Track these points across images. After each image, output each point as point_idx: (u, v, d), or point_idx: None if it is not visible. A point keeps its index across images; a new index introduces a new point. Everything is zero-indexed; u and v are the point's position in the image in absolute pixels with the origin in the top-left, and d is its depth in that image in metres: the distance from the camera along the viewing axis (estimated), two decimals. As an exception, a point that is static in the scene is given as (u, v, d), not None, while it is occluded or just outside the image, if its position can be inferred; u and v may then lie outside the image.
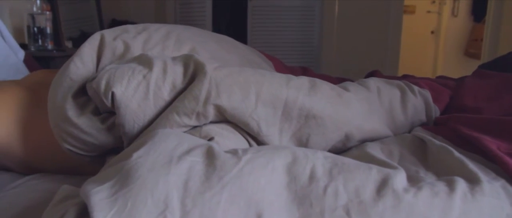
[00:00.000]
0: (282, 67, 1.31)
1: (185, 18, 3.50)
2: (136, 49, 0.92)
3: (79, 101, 0.85)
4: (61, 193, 0.73)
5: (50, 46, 2.21)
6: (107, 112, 0.85)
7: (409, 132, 0.97)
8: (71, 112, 0.83)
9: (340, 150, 0.88)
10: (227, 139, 0.77)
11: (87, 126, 0.83)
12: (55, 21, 2.36)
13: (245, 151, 0.61)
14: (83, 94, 0.88)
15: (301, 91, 0.81)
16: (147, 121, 0.80)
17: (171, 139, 0.64)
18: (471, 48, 4.10)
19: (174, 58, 0.85)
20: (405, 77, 1.34)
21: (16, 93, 0.99)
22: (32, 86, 1.04)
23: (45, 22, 2.18)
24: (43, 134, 0.97)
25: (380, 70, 3.33)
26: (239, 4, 3.43)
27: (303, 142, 0.82)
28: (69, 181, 0.96)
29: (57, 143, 0.94)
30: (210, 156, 0.60)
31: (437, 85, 1.11)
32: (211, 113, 0.78)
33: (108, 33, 0.93)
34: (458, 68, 4.21)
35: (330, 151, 0.86)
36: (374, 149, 0.81)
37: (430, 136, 0.87)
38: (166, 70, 0.80)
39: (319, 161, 0.62)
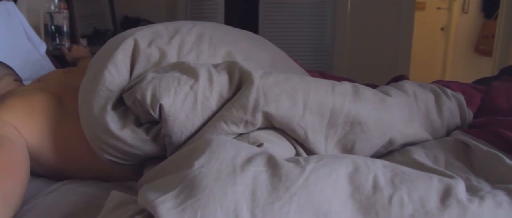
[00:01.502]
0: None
1: (196, 15, 3.49)
2: (172, 56, 0.91)
3: (119, 112, 0.84)
4: (113, 200, 0.74)
5: (67, 45, 2.21)
6: (148, 122, 0.85)
7: (447, 135, 0.97)
8: (113, 124, 0.82)
9: (382, 154, 0.88)
10: (275, 145, 0.78)
11: (131, 138, 0.82)
12: (71, 19, 2.35)
13: (306, 161, 0.61)
14: (120, 103, 0.87)
15: (347, 98, 0.81)
16: (194, 130, 0.80)
17: (229, 147, 0.64)
18: (481, 45, 4.08)
19: (216, 66, 0.85)
20: (433, 82, 1.34)
21: (44, 101, 0.99)
22: (57, 91, 1.04)
23: (63, 20, 2.18)
24: (74, 142, 0.97)
25: (392, 67, 3.34)
26: (250, 2, 3.42)
27: (348, 148, 0.82)
28: (103, 185, 0.97)
29: (87, 150, 0.94)
30: (273, 165, 0.60)
31: (469, 88, 1.11)
32: (259, 120, 0.78)
33: (141, 39, 0.91)
34: (468, 65, 4.21)
35: (372, 156, 0.86)
36: (419, 155, 0.81)
37: (472, 140, 0.88)
38: (212, 79, 0.80)
39: (379, 170, 0.62)
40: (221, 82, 0.80)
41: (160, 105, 0.77)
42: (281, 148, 0.78)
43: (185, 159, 0.67)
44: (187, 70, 0.82)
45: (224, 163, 0.60)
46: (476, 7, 4.14)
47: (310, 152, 0.81)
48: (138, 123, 0.85)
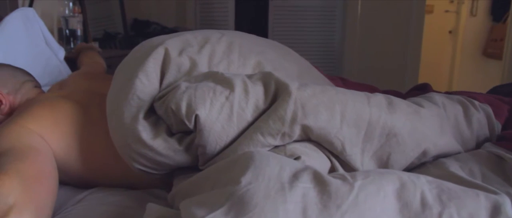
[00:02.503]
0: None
1: (205, 18, 3.49)
2: (203, 66, 0.91)
3: (150, 121, 0.84)
4: (152, 214, 0.74)
5: (80, 49, 2.21)
6: (180, 131, 0.84)
7: (476, 147, 0.97)
8: (145, 134, 0.81)
9: (415, 165, 0.88)
10: (312, 158, 0.78)
11: (163, 148, 0.82)
12: (83, 23, 2.35)
13: (353, 177, 0.61)
14: (151, 113, 0.86)
15: (382, 109, 0.81)
16: (229, 141, 0.79)
17: (273, 162, 0.64)
18: (489, 48, 4.08)
19: (250, 77, 0.85)
20: (458, 93, 1.34)
21: (68, 110, 0.99)
22: (81, 99, 1.03)
23: (77, 24, 2.18)
24: (100, 151, 0.97)
25: (402, 71, 3.33)
26: (260, 4, 3.42)
27: (383, 161, 0.82)
28: (131, 194, 0.96)
29: (114, 159, 0.94)
30: (320, 182, 0.60)
31: (495, 99, 1.11)
32: (297, 132, 0.78)
33: (172, 47, 0.91)
34: (476, 68, 4.20)
35: (406, 168, 0.86)
36: (456, 168, 0.81)
37: (505, 152, 0.87)
38: (247, 90, 0.80)
39: (425, 186, 0.62)
40: (257, 94, 0.80)
41: (196, 116, 0.77)
42: (318, 161, 0.78)
43: (226, 173, 0.67)
44: (222, 80, 0.82)
45: (272, 179, 0.60)
46: (485, 10, 4.13)
47: (345, 164, 0.81)
48: (170, 133, 0.84)
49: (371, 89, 1.36)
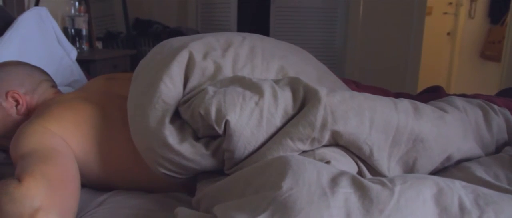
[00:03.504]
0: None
1: (207, 18, 3.49)
2: (227, 70, 0.91)
3: (176, 125, 0.84)
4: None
5: (85, 48, 2.21)
6: (207, 136, 0.84)
7: (496, 151, 0.98)
8: (171, 138, 0.81)
9: (438, 169, 0.89)
10: (340, 162, 0.78)
11: (190, 153, 0.82)
12: (88, 22, 2.34)
13: (392, 182, 0.62)
14: (176, 117, 0.86)
15: (409, 115, 0.82)
16: (257, 146, 0.80)
17: (309, 167, 0.65)
18: (487, 50, 4.12)
19: (277, 82, 0.86)
20: (476, 97, 1.35)
21: (88, 112, 0.98)
22: (100, 101, 1.02)
23: (82, 24, 2.17)
24: (120, 154, 0.96)
25: (402, 72, 3.35)
26: (262, 5, 3.43)
27: (409, 165, 0.83)
28: (153, 197, 0.96)
29: (134, 162, 0.94)
30: (360, 186, 0.61)
31: None
32: (326, 138, 0.79)
33: (196, 51, 0.91)
34: (474, 70, 4.24)
35: (430, 172, 0.87)
36: (480, 172, 0.82)
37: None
38: (276, 96, 0.80)
39: (461, 191, 0.63)
40: (286, 99, 0.81)
41: (226, 121, 0.77)
42: (346, 166, 0.79)
43: (259, 177, 0.68)
44: (250, 85, 0.83)
45: (312, 185, 0.60)
46: (483, 12, 4.17)
47: (372, 169, 0.82)
48: (196, 137, 0.84)
49: (384, 92, 1.37)
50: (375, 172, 0.82)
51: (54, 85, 1.17)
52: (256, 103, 0.79)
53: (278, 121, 0.80)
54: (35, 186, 0.72)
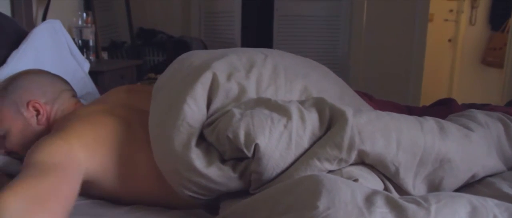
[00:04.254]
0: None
1: (210, 28, 3.50)
2: (251, 92, 0.90)
3: (202, 148, 0.83)
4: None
5: (93, 59, 2.21)
6: (233, 158, 0.83)
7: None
8: (198, 162, 0.81)
9: (462, 186, 0.90)
10: (367, 180, 0.79)
11: (217, 176, 0.82)
12: (95, 33, 2.34)
13: (426, 201, 0.62)
14: (201, 139, 0.85)
15: (435, 136, 0.83)
16: (285, 167, 0.80)
17: (343, 187, 0.65)
18: (488, 56, 4.14)
19: (303, 103, 0.86)
20: (495, 110, 1.35)
21: (111, 126, 0.96)
22: (123, 115, 1.01)
23: (89, 35, 2.17)
24: (140, 171, 0.95)
25: (406, 79, 3.36)
26: (265, 14, 3.44)
27: (435, 184, 0.84)
28: (173, 214, 0.94)
29: (155, 179, 0.93)
30: (395, 206, 0.61)
31: None
32: (353, 158, 0.79)
33: (219, 71, 0.90)
34: (475, 76, 4.26)
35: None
36: (506, 188, 0.82)
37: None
38: (303, 118, 0.81)
39: (495, 209, 0.64)
40: (313, 121, 0.81)
41: (256, 145, 0.77)
42: (373, 183, 0.79)
43: (289, 196, 0.68)
44: (277, 107, 0.83)
45: (348, 204, 0.61)
46: (483, 19, 4.19)
47: (397, 186, 0.82)
48: (222, 159, 0.84)
49: (397, 108, 1.37)
50: (400, 189, 0.82)
51: (74, 94, 1.16)
52: (285, 126, 0.79)
53: (306, 143, 0.80)
54: (9, 201, 0.69)
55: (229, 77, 0.90)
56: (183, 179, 0.83)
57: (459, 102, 1.38)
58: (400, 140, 0.80)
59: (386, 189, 0.82)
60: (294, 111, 0.81)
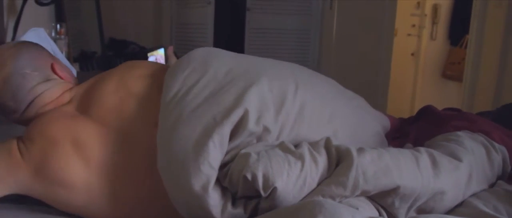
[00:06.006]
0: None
1: (182, 39, 3.49)
2: (272, 138, 0.88)
3: (217, 192, 0.80)
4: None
5: (65, 72, 2.16)
6: (243, 196, 0.82)
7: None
8: (215, 209, 0.79)
9: None
10: (365, 209, 0.83)
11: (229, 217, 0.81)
12: (68, 45, 2.30)
13: None
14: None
15: (430, 173, 0.88)
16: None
17: (342, 211, 0.69)
18: (448, 70, 4.34)
19: (313, 145, 0.87)
20: (458, 110, 1.43)
21: (104, 141, 0.90)
22: (119, 126, 0.93)
23: (63, 46, 2.13)
24: (130, 201, 0.91)
25: (374, 90, 3.46)
26: (237, 27, 3.47)
27: (425, 211, 0.89)
28: None
29: (150, 206, 0.90)
30: None
31: (507, 140, 1.18)
32: (356, 195, 0.83)
33: (251, 110, 0.85)
34: (436, 88, 4.45)
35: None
36: (482, 206, 0.89)
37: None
38: (316, 161, 0.83)
39: None
40: (323, 162, 0.84)
41: (274, 188, 0.77)
42: (369, 212, 0.83)
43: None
44: (290, 151, 0.83)
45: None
46: (443, 34, 4.40)
47: (390, 215, 0.87)
48: (233, 199, 0.83)
49: (392, 119, 1.40)
50: (391, 216, 0.87)
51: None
52: (301, 170, 0.81)
53: (316, 183, 0.83)
54: None
55: (258, 120, 0.85)
56: (194, 213, 0.82)
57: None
58: (401, 178, 0.84)
59: (379, 214, 0.86)
60: (307, 154, 0.83)
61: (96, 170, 0.89)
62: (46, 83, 1.03)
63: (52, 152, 0.90)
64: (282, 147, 0.85)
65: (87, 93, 1.02)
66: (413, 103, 4.46)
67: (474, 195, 0.97)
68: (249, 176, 0.77)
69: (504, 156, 1.06)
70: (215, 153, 0.80)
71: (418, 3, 4.34)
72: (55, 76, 1.05)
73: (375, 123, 1.12)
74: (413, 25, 4.41)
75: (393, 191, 0.84)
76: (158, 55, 1.18)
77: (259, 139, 0.87)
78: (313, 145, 0.87)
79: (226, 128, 0.81)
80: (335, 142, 0.88)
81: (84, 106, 0.99)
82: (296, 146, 0.87)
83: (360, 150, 0.86)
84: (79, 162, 0.90)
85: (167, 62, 1.38)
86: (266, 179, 0.77)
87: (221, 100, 0.86)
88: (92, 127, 0.93)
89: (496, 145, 1.06)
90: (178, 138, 0.82)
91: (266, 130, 0.87)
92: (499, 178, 1.08)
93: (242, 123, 0.84)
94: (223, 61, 0.97)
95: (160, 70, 1.05)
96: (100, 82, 1.02)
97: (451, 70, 4.29)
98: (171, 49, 1.35)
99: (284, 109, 0.90)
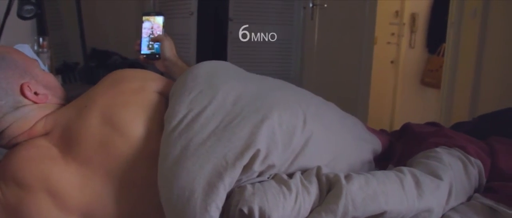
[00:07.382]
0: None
1: (165, 47, 3.48)
2: (276, 168, 0.89)
3: None
4: None
5: (49, 85, 2.14)
6: None
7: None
8: None
9: None
10: None
11: None
12: (51, 58, 2.28)
13: None
14: None
15: (414, 194, 0.91)
16: None
17: None
18: (426, 77, 4.44)
19: (305, 174, 0.89)
20: (434, 125, 1.47)
21: (86, 185, 0.87)
22: (102, 162, 0.88)
23: (46, 60, 2.12)
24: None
25: (355, 98, 3.52)
26: (220, 37, 3.49)
27: None
28: None
29: None
30: None
31: (482, 153, 1.21)
32: None
33: (262, 149, 0.84)
34: (415, 95, 4.55)
35: None
36: None
37: (494, 204, 1.01)
38: (309, 192, 0.85)
39: None
40: (315, 191, 0.86)
41: None
42: None
43: None
44: (284, 182, 0.85)
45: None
46: (421, 43, 4.51)
47: None
48: None
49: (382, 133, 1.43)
50: None
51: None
52: (295, 202, 0.82)
53: (308, 212, 0.85)
54: None
55: (264, 159, 0.85)
56: None
57: (402, 120, 1.46)
58: (388, 203, 0.87)
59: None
60: (299, 185, 0.85)
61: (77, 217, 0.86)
62: (16, 112, 0.92)
63: (27, 201, 0.84)
64: (276, 178, 0.87)
65: (67, 127, 0.92)
66: (393, 109, 4.56)
67: (452, 209, 1.01)
68: (245, 210, 0.78)
69: (479, 169, 1.10)
70: (224, 195, 0.79)
71: (397, 12, 4.44)
72: (27, 102, 0.94)
73: (369, 151, 1.14)
74: (393, 34, 4.51)
75: (381, 215, 0.87)
76: (154, 24, 1.09)
77: (261, 174, 0.88)
78: (305, 174, 0.90)
79: (238, 170, 0.81)
80: (326, 170, 0.90)
81: (64, 143, 0.90)
82: (289, 174, 0.90)
83: (348, 177, 0.89)
84: (56, 212, 0.85)
85: (163, 35, 1.34)
86: (262, 212, 0.78)
87: (233, 137, 0.84)
88: (72, 171, 0.86)
89: (472, 158, 1.10)
90: (184, 173, 0.79)
91: (270, 166, 0.87)
92: (476, 190, 1.12)
93: (250, 162, 0.83)
94: (231, 85, 0.96)
95: (151, 81, 1.01)
96: (83, 113, 0.92)
97: (429, 77, 4.40)
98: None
99: (291, 146, 0.90)
